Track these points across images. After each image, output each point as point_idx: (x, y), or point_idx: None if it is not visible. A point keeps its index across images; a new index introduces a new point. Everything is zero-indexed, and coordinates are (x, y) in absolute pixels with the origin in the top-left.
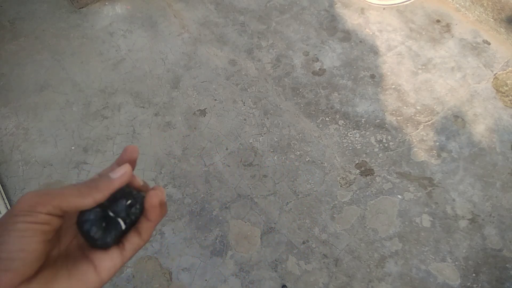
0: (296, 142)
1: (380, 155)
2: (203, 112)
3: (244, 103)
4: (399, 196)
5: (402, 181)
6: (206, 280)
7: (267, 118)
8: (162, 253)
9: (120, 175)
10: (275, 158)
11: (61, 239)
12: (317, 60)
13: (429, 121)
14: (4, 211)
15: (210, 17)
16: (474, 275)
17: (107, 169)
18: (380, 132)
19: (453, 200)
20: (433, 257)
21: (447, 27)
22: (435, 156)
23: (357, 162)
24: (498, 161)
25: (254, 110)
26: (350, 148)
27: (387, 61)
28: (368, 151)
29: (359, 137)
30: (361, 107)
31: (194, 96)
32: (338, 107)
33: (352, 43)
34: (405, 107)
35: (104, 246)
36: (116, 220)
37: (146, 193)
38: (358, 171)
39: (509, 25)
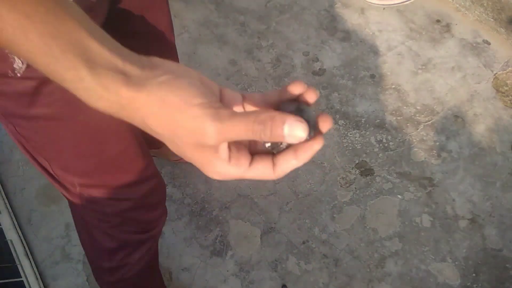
0: None
1: (380, 155)
2: None
3: None
4: (399, 196)
5: (402, 181)
6: (206, 280)
7: None
8: (162, 253)
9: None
10: None
11: None
12: (317, 60)
13: (429, 121)
14: (4, 211)
15: (210, 17)
16: (474, 275)
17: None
18: (380, 132)
19: (453, 200)
20: (433, 257)
21: (447, 27)
22: (435, 156)
23: (357, 162)
24: (498, 161)
25: None
26: (350, 148)
27: (387, 61)
28: (368, 151)
29: (359, 137)
30: (361, 107)
31: None
32: (338, 107)
33: (352, 43)
34: (405, 107)
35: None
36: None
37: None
38: (358, 171)
39: (509, 25)
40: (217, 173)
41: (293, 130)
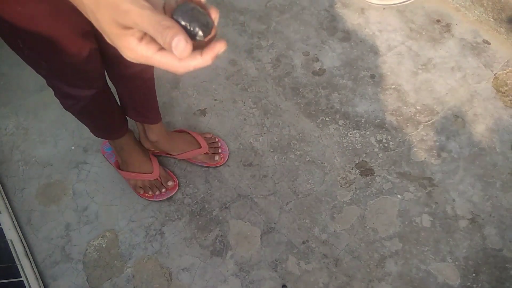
0: (296, 142)
1: (380, 155)
2: (203, 112)
3: (244, 103)
4: (399, 196)
5: (402, 181)
6: (206, 280)
7: (267, 118)
8: (162, 253)
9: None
10: (275, 158)
11: None
12: (317, 60)
13: (429, 121)
14: (4, 211)
15: None
16: (474, 275)
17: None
18: (380, 132)
19: (453, 200)
20: (433, 257)
21: (447, 27)
22: (435, 156)
23: (357, 162)
24: (498, 161)
25: (254, 110)
26: (350, 148)
27: (387, 61)
28: (368, 151)
29: (359, 137)
30: (361, 107)
31: (194, 96)
32: (338, 107)
33: (352, 43)
34: (405, 107)
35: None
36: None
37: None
38: (358, 171)
39: (509, 25)
40: (129, 49)
41: (178, 46)
